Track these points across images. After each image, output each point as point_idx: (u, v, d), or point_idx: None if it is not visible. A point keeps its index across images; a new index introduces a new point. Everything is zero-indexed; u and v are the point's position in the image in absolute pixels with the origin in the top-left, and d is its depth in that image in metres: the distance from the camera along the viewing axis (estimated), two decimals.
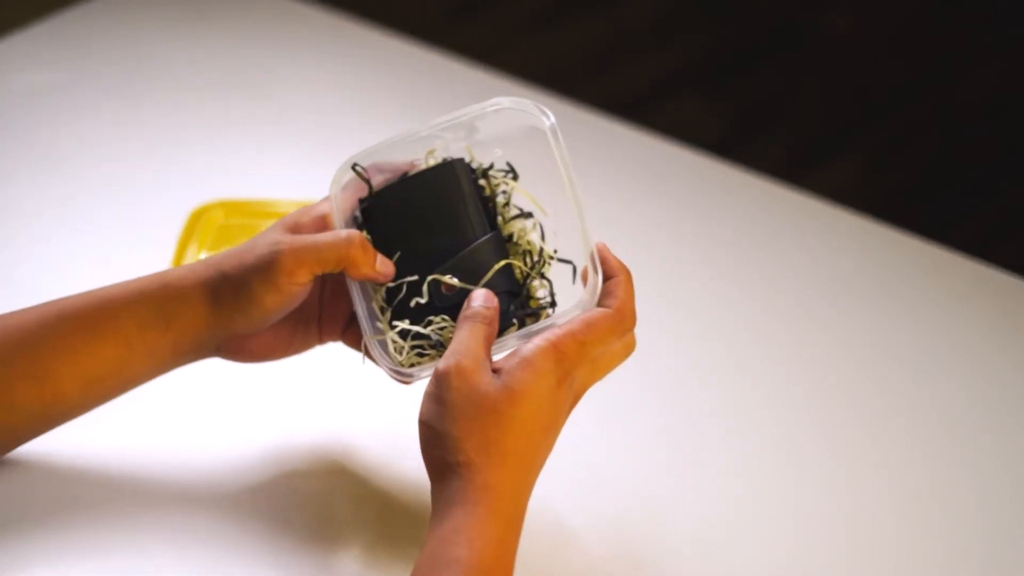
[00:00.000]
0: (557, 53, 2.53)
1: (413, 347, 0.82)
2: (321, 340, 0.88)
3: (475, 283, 0.82)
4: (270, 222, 1.12)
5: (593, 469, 0.90)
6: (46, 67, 1.32)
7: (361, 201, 0.87)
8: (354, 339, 0.87)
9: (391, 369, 0.82)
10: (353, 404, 0.94)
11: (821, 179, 2.20)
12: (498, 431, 0.74)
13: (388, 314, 0.84)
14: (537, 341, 0.77)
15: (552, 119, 0.83)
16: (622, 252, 1.14)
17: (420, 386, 0.91)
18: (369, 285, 0.84)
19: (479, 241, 0.84)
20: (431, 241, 0.84)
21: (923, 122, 2.48)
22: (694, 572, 0.84)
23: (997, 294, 1.10)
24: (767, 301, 1.08)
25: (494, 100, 0.85)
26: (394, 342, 0.83)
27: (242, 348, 0.85)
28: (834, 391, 0.99)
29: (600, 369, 0.80)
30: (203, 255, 1.08)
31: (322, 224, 0.85)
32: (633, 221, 1.16)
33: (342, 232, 0.82)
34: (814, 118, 2.50)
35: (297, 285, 0.82)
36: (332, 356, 0.91)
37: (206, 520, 0.84)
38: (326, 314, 0.87)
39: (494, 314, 0.80)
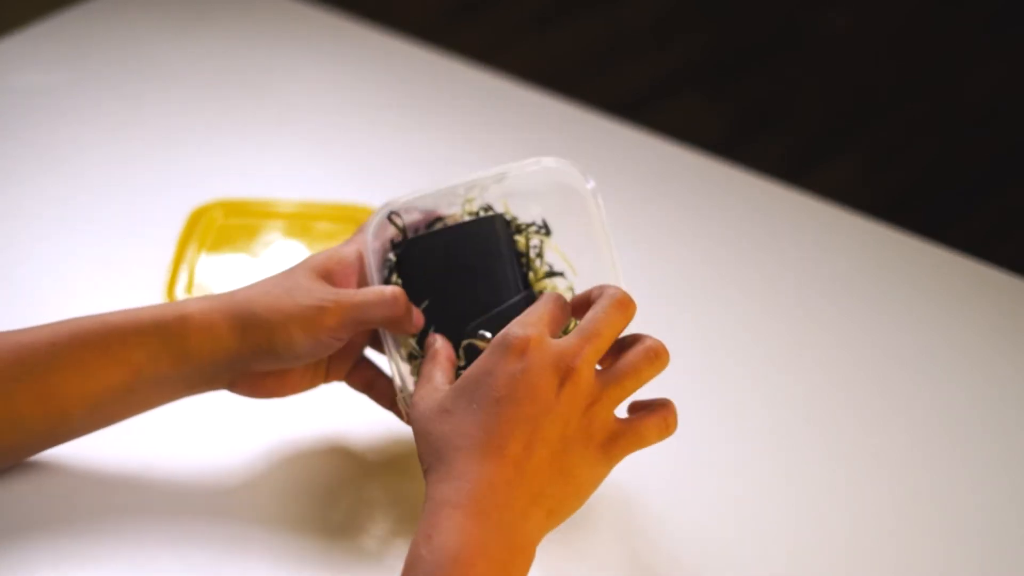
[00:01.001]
0: (557, 53, 2.53)
1: None
2: (327, 379, 0.89)
3: None
4: (270, 222, 1.13)
5: None
6: (46, 67, 1.32)
7: (394, 245, 0.87)
8: (358, 381, 0.89)
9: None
10: (354, 402, 0.94)
11: (821, 179, 2.20)
12: (437, 425, 0.75)
13: (418, 363, 0.85)
14: None
15: (592, 183, 0.84)
16: (622, 252, 1.14)
17: None
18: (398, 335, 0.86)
19: (514, 301, 0.84)
20: (465, 294, 0.85)
21: (923, 122, 2.49)
22: (694, 572, 0.84)
23: (997, 294, 1.10)
24: (767, 301, 1.08)
25: (534, 159, 0.86)
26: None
27: (256, 384, 0.85)
28: (834, 391, 0.99)
29: (596, 338, 0.77)
30: (203, 255, 1.08)
31: (354, 272, 0.86)
32: (633, 221, 1.16)
33: (386, 291, 0.83)
34: (814, 118, 2.50)
35: (338, 340, 0.83)
36: None
37: (209, 522, 0.84)
38: (335, 356, 0.88)
39: (439, 351, 0.82)
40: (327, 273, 0.85)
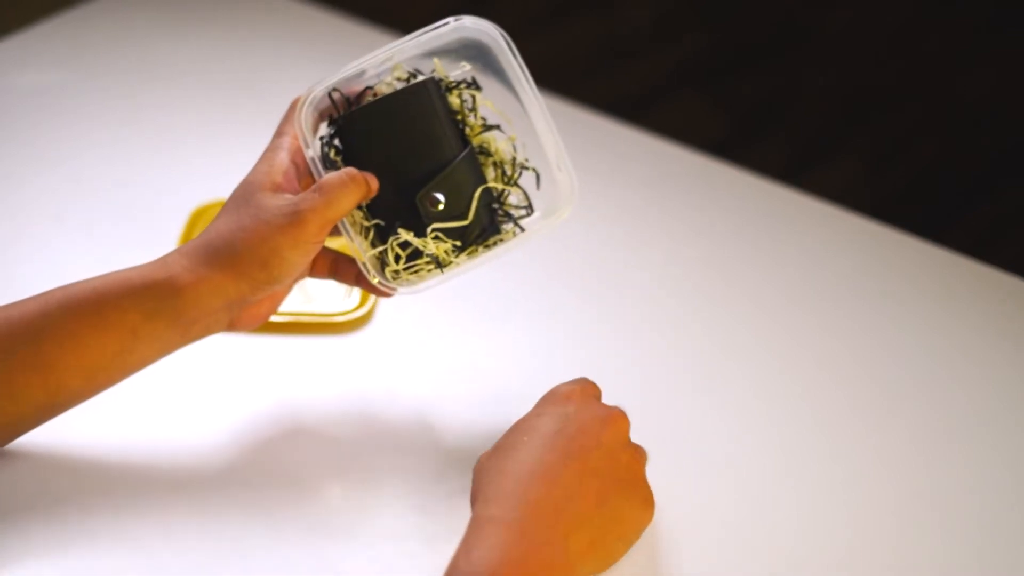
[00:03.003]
0: (556, 53, 2.53)
1: (407, 267, 0.88)
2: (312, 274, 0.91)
3: (458, 201, 0.87)
4: None
5: None
6: (46, 67, 1.32)
7: (329, 123, 0.89)
8: (322, 269, 0.91)
9: (384, 284, 0.87)
10: (342, 385, 0.95)
11: (821, 179, 2.20)
12: (492, 461, 0.80)
13: (372, 234, 0.88)
14: None
15: (506, 37, 0.87)
16: (622, 252, 1.15)
17: (410, 376, 0.90)
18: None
19: (458, 160, 0.87)
20: (408, 161, 0.87)
21: (923, 122, 2.49)
22: (693, 571, 0.84)
23: (997, 294, 1.10)
24: (767, 301, 1.08)
25: (444, 20, 0.88)
26: (391, 252, 0.87)
27: (255, 315, 0.87)
28: (834, 392, 0.99)
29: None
30: None
31: (294, 175, 0.87)
32: (633, 221, 1.16)
33: (344, 178, 0.85)
34: (814, 118, 2.50)
35: (322, 242, 0.85)
36: (318, 343, 0.91)
37: (199, 507, 0.85)
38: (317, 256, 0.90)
39: None
40: (277, 188, 0.86)
